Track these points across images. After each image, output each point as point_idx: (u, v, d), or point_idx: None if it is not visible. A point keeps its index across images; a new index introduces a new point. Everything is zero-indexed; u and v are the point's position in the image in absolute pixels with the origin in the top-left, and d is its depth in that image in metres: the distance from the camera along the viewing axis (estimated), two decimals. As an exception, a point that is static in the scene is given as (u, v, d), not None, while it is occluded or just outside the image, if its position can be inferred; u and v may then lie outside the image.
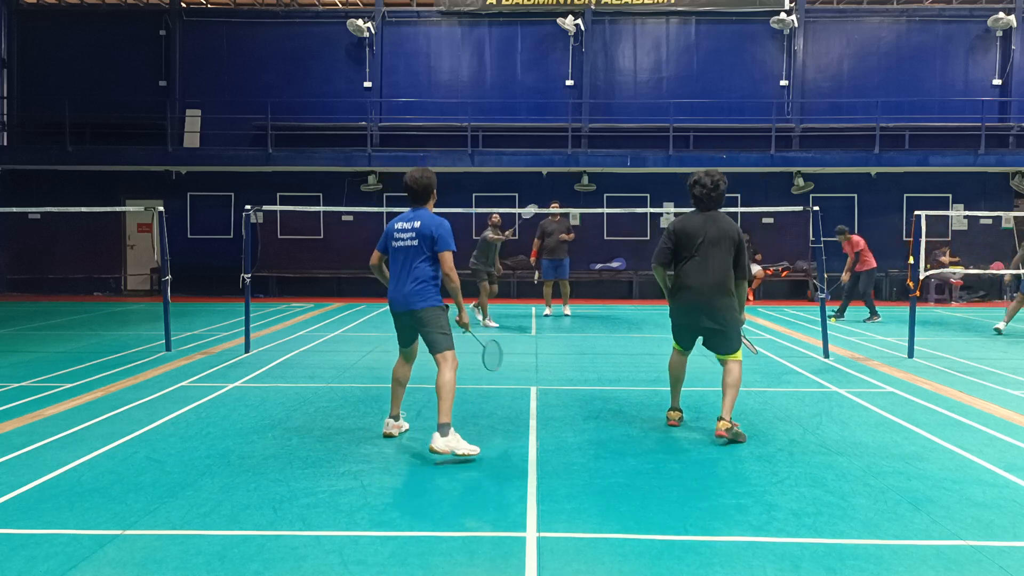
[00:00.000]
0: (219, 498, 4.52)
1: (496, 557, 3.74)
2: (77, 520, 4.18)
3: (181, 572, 3.56)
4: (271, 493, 4.61)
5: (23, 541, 3.90)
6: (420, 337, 5.70)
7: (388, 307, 5.75)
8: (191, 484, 4.76)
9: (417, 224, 5.56)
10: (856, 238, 14.24)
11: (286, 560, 3.68)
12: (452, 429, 5.33)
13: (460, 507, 4.41)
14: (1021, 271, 11.73)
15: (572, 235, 14.44)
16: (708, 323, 5.95)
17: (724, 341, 6.04)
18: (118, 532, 4.01)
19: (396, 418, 5.96)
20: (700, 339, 6.21)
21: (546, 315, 14.47)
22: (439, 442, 5.26)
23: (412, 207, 5.73)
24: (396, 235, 5.62)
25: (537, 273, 14.73)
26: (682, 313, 6.09)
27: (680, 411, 6.41)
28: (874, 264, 14.25)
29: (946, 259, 17.09)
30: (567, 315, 14.56)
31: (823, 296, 9.91)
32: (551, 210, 14.23)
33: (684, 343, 6.31)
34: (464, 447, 5.31)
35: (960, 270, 16.36)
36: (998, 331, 11.97)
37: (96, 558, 3.70)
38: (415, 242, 5.55)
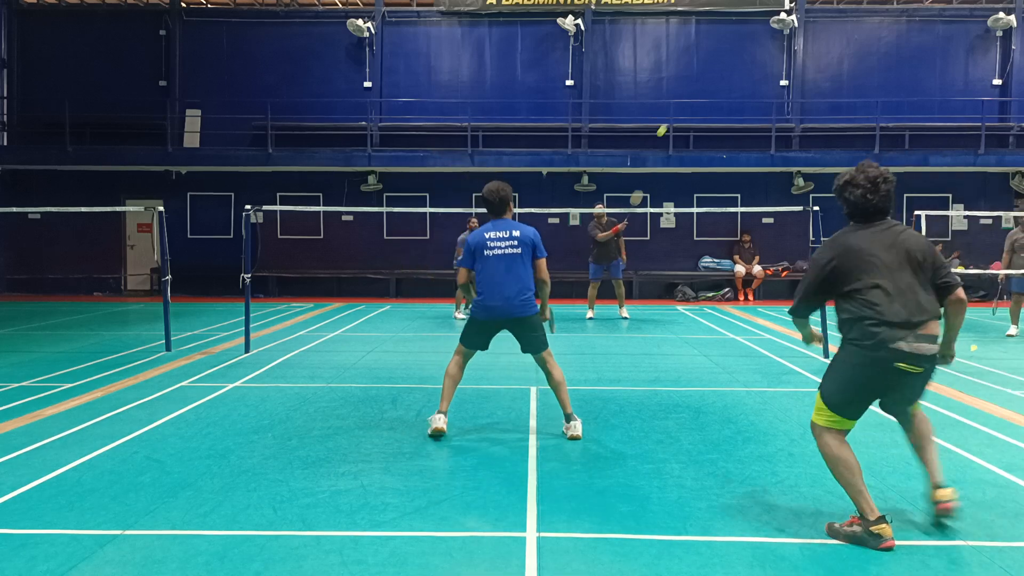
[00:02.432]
0: (219, 498, 4.52)
1: (496, 557, 3.74)
2: (77, 520, 4.18)
3: (181, 572, 3.56)
4: (271, 493, 4.61)
5: (23, 541, 3.90)
6: (519, 341, 6.00)
7: (477, 314, 5.91)
8: (191, 484, 4.76)
9: (516, 233, 5.89)
10: None
11: (286, 560, 3.68)
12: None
13: (460, 507, 4.41)
14: (1012, 271, 11.63)
15: (623, 224, 13.90)
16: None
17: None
18: (118, 532, 4.01)
19: (444, 413, 5.99)
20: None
21: (589, 318, 13.95)
22: (578, 428, 5.88)
23: (492, 218, 6.04)
24: (491, 244, 5.88)
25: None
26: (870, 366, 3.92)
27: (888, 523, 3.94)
28: None
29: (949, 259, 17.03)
30: (626, 318, 14.00)
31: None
32: (595, 210, 13.98)
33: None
34: (579, 429, 5.92)
35: (960, 270, 16.33)
36: (1012, 337, 11.77)
37: (96, 558, 3.70)
38: (517, 250, 5.86)
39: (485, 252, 5.87)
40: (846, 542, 3.89)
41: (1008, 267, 11.72)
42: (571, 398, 6.00)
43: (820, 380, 4.11)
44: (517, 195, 18.93)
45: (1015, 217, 11.98)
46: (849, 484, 3.96)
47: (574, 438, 5.82)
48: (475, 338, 6.03)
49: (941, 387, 7.88)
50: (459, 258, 13.00)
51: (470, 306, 6.05)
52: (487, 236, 5.89)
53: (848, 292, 4.03)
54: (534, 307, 5.92)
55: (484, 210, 6.15)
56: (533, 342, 5.94)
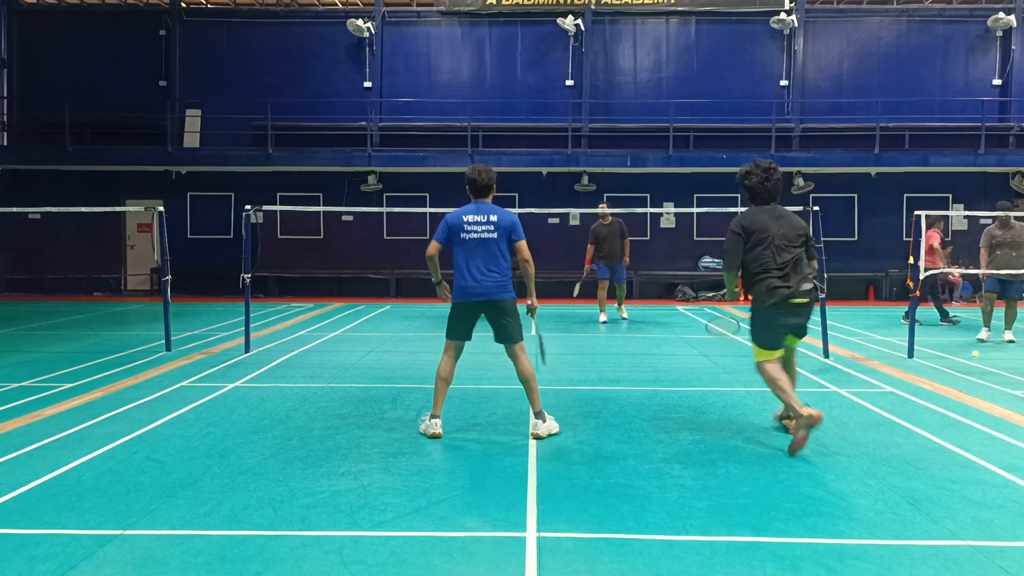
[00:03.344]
0: (219, 498, 4.52)
1: (496, 557, 3.74)
2: (77, 520, 4.18)
3: (181, 572, 3.56)
4: (271, 493, 4.61)
5: (23, 541, 3.90)
6: (493, 329, 5.99)
7: (456, 298, 5.94)
8: (191, 484, 4.76)
9: (494, 217, 5.87)
10: (930, 233, 12.63)
11: (286, 560, 3.68)
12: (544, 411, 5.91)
13: (460, 507, 4.41)
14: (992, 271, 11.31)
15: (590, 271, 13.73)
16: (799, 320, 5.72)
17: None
18: (118, 532, 4.01)
19: (432, 417, 5.96)
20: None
21: (603, 321, 13.54)
22: (542, 428, 5.84)
23: (475, 200, 6.00)
24: (468, 227, 5.85)
25: (578, 284, 14.02)
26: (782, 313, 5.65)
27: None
28: (939, 265, 12.85)
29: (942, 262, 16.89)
30: (625, 318, 13.87)
31: (823, 296, 9.90)
32: (599, 210, 13.61)
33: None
34: (555, 425, 5.93)
35: (960, 270, 16.33)
36: (983, 342, 11.27)
37: (96, 558, 3.70)
38: (494, 234, 5.85)
39: (462, 235, 5.87)
40: (802, 429, 5.32)
41: (985, 264, 11.41)
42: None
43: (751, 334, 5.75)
44: (517, 195, 19.04)
45: (996, 216, 11.61)
46: (784, 392, 5.61)
47: (536, 436, 5.77)
48: (459, 327, 5.99)
49: (941, 387, 7.89)
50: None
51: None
52: (465, 219, 5.88)
53: (751, 255, 5.73)
54: (510, 292, 5.93)
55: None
56: (506, 329, 5.91)
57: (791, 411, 5.59)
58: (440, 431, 5.86)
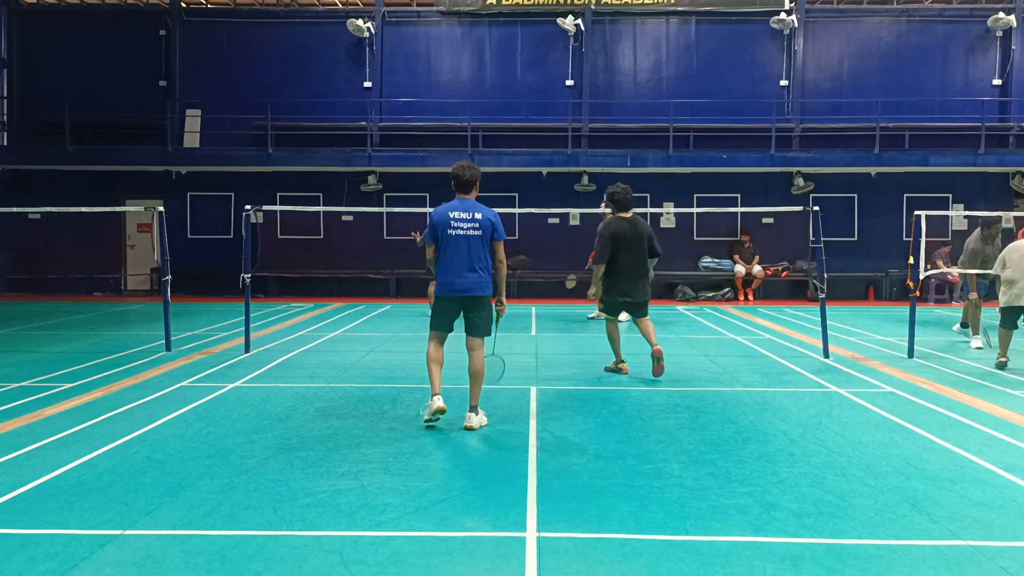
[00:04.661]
0: (219, 498, 4.52)
1: (496, 557, 3.74)
2: (77, 520, 4.18)
3: (181, 572, 3.56)
4: (271, 493, 4.61)
5: (23, 541, 3.90)
6: (466, 321, 6.24)
7: (442, 292, 6.14)
8: (191, 484, 4.76)
9: (479, 215, 6.09)
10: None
11: (286, 560, 3.68)
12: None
13: (460, 507, 4.41)
14: (980, 271, 11.09)
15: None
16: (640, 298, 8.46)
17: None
18: (118, 532, 4.01)
19: (439, 394, 6.19)
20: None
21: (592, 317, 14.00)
22: (475, 420, 6.12)
23: (458, 196, 6.18)
24: (454, 223, 6.06)
25: (573, 278, 13.87)
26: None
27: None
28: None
29: (941, 262, 16.89)
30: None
31: (823, 296, 9.91)
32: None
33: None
34: (485, 419, 6.25)
35: (959, 270, 16.29)
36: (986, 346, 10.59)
37: (96, 558, 3.70)
38: (478, 232, 6.07)
39: (448, 231, 6.06)
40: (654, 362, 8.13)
41: (970, 273, 10.83)
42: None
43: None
44: (517, 195, 19.04)
45: (981, 228, 11.22)
46: (614, 341, 8.69)
47: (468, 428, 6.06)
48: (443, 320, 6.24)
49: (941, 387, 7.89)
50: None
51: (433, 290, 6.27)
52: (451, 215, 6.07)
53: (612, 256, 8.31)
54: (490, 289, 6.17)
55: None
56: (480, 324, 6.17)
57: (615, 358, 8.70)
58: (443, 405, 6.10)
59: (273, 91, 19.62)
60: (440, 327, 6.26)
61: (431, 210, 6.44)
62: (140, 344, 10.67)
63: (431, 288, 6.33)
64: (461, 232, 6.04)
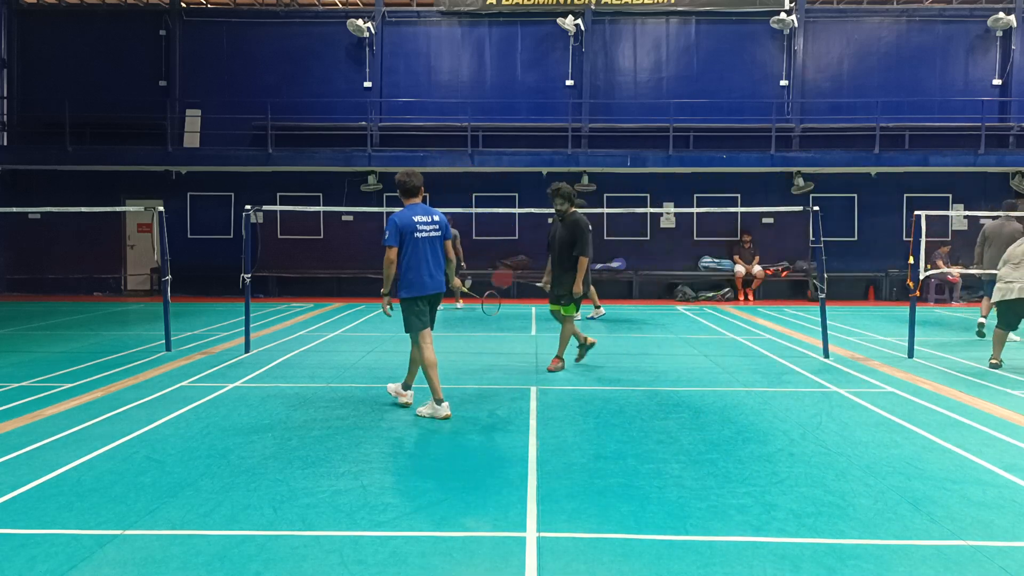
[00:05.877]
0: (219, 498, 4.52)
1: (496, 557, 3.74)
2: (77, 520, 4.18)
3: (181, 572, 3.56)
4: (271, 493, 4.61)
5: (23, 541, 3.90)
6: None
7: (415, 292, 6.50)
8: (191, 484, 4.76)
9: (436, 217, 6.59)
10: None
11: (286, 560, 3.68)
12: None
13: (460, 507, 4.41)
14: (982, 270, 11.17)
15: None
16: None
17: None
18: (118, 532, 4.01)
19: (439, 402, 6.51)
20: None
21: (592, 317, 14.01)
22: (426, 410, 6.54)
23: (407, 202, 6.63)
24: (420, 227, 6.49)
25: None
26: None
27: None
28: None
29: (941, 262, 16.89)
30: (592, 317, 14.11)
31: (823, 296, 9.91)
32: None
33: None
34: (430, 412, 6.54)
35: (959, 269, 16.31)
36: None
37: (96, 558, 3.70)
38: (438, 233, 6.58)
39: (416, 235, 6.46)
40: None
41: (980, 262, 11.26)
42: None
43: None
44: (517, 195, 19.06)
45: (995, 215, 11.49)
46: (575, 335, 8.84)
47: (420, 415, 6.52)
48: (423, 317, 6.60)
49: (941, 387, 7.89)
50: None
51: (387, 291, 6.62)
52: (416, 219, 6.49)
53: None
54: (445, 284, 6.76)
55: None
56: (435, 317, 6.75)
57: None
58: (449, 412, 6.44)
59: (273, 91, 19.62)
60: (425, 325, 6.60)
61: (392, 214, 6.64)
62: (140, 344, 10.67)
63: (385, 290, 6.51)
64: (426, 234, 6.49)
